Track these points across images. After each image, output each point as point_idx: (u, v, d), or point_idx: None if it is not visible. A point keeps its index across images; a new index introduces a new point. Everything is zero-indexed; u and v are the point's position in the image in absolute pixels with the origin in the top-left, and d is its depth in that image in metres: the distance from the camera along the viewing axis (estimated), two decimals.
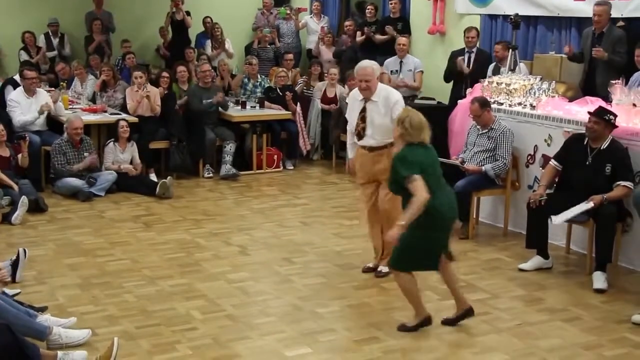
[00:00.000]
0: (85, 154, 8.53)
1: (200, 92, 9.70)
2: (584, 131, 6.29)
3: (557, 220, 6.08)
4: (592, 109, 6.27)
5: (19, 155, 8.21)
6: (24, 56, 11.60)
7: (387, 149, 5.78)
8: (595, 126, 6.11)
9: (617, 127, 6.14)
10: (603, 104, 6.77)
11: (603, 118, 6.07)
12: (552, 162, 6.44)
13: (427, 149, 5.00)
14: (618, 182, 6.01)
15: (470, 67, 9.55)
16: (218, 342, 4.88)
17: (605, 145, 6.12)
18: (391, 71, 10.16)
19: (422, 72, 10.22)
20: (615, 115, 6.13)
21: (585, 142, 6.21)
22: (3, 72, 11.65)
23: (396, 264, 5.04)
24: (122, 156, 8.80)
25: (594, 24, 8.13)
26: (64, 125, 8.60)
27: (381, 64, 10.42)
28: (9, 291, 5.19)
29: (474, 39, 9.66)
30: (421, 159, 4.89)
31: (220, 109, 9.75)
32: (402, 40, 10.27)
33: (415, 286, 5.05)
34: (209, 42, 12.39)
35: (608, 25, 8.06)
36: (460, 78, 9.64)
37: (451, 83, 9.89)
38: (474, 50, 9.67)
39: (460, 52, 9.79)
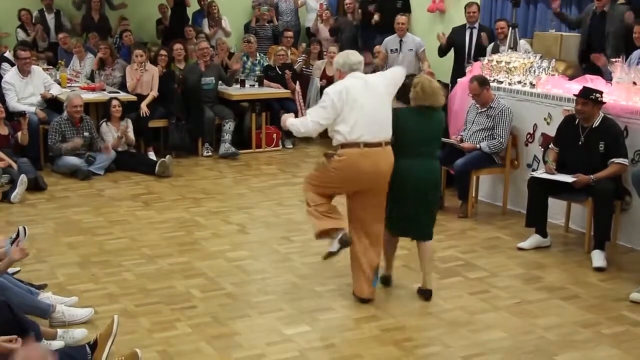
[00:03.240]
0: (85, 133, 8.50)
1: (198, 70, 9.66)
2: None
3: (537, 174, 6.30)
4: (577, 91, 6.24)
5: (19, 133, 8.19)
6: (22, 34, 11.53)
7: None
8: (583, 107, 6.08)
9: (604, 103, 6.11)
10: (603, 82, 6.75)
11: (590, 98, 6.04)
12: (551, 146, 6.44)
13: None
14: (612, 160, 6.01)
15: (474, 43, 9.47)
16: (217, 320, 4.89)
17: (596, 123, 6.09)
18: (391, 50, 10.08)
19: (424, 50, 10.13)
20: (601, 92, 6.11)
21: (576, 122, 6.19)
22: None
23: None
24: (117, 135, 8.76)
25: (595, 1, 8.09)
26: (64, 104, 8.56)
27: (381, 43, 10.39)
28: (9, 269, 5.19)
29: (475, 14, 9.55)
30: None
31: (220, 83, 9.71)
32: (401, 19, 10.10)
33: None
34: (205, 21, 12.29)
35: (610, 4, 8.01)
36: (461, 55, 9.56)
37: (452, 61, 9.82)
38: (476, 25, 9.57)
39: (462, 28, 9.69)
